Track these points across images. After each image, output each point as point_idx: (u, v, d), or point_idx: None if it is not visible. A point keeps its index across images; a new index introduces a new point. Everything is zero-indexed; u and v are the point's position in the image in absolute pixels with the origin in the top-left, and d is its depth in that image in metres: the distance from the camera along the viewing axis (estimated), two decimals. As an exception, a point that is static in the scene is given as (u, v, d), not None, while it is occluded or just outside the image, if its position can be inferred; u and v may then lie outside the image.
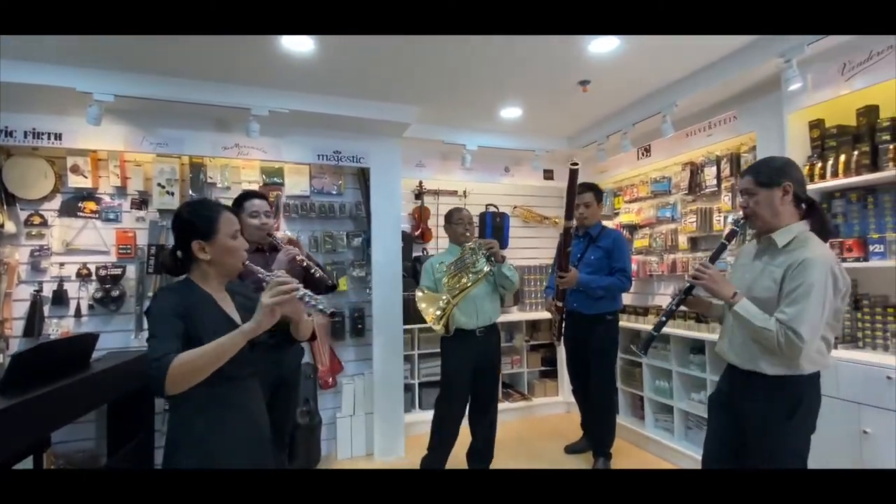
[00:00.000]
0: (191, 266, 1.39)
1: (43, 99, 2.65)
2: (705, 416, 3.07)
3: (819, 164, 2.47)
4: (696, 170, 3.35)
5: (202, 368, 1.19)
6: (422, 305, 2.68)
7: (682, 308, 3.24)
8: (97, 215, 3.05)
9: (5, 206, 2.82)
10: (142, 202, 3.15)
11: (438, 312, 2.61)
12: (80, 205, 3.02)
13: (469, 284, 2.60)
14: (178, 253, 1.40)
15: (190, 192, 3.19)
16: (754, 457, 1.71)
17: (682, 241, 3.45)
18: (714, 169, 3.19)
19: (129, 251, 3.09)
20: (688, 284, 1.79)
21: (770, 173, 1.69)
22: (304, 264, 2.27)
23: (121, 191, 3.11)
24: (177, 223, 1.38)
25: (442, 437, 2.82)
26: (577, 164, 2.57)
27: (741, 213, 1.79)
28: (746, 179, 1.74)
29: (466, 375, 2.76)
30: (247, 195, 2.38)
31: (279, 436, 2.43)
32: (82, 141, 2.87)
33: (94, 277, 3.01)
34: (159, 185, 3.11)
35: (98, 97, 2.60)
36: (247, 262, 1.43)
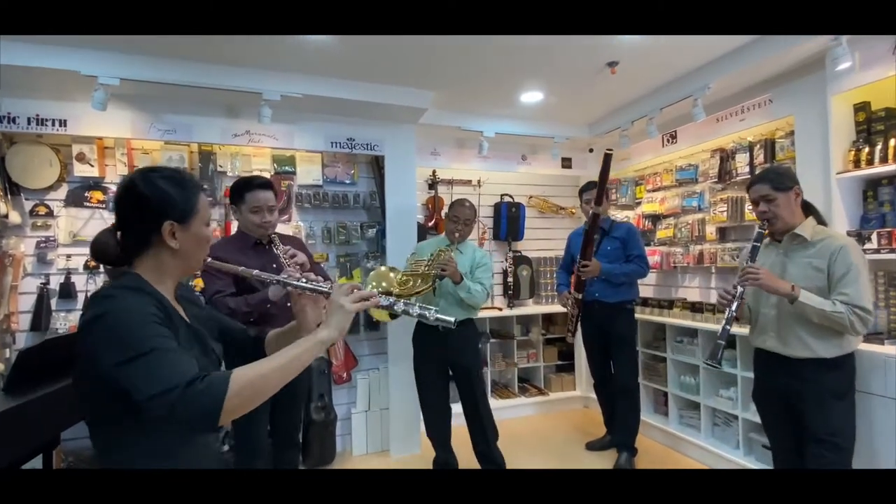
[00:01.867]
0: (140, 256, 1.01)
1: (46, 83, 2.54)
2: (734, 413, 2.98)
3: (865, 150, 2.32)
4: (726, 157, 3.20)
5: (267, 390, 0.90)
6: (371, 278, 2.61)
7: (710, 303, 3.19)
8: (104, 205, 2.95)
9: (9, 196, 2.72)
10: (150, 192, 3.04)
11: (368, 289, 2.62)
12: (86, 194, 2.92)
13: (410, 293, 2.50)
14: (120, 235, 1.02)
15: (199, 180, 3.08)
16: (820, 433, 1.81)
17: (710, 231, 3.31)
18: (746, 156, 3.03)
19: (137, 242, 2.98)
20: (740, 288, 1.87)
21: (783, 179, 1.88)
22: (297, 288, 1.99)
23: (128, 180, 3.00)
24: (143, 194, 0.97)
25: (429, 428, 2.81)
26: (611, 149, 2.59)
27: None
28: (762, 187, 1.89)
29: (433, 366, 2.74)
30: (250, 184, 2.05)
31: (289, 435, 2.33)
32: (88, 127, 2.76)
33: (101, 270, 2.91)
34: (167, 173, 3.00)
35: (103, 81, 2.48)
36: (242, 269, 1.21)
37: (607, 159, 2.64)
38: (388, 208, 3.34)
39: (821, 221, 1.94)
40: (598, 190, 2.80)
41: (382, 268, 2.73)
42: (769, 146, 2.92)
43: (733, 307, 1.85)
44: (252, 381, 0.87)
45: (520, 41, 2.46)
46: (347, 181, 3.43)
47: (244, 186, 2.08)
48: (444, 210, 4.09)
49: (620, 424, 3.13)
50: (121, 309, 0.90)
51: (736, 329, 2.88)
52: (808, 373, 1.83)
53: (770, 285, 1.80)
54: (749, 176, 3.03)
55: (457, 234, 2.66)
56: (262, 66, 2.74)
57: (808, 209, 1.94)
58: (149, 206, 0.98)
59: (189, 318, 1.06)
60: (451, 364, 2.74)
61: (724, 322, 1.86)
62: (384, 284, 2.57)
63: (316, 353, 1.01)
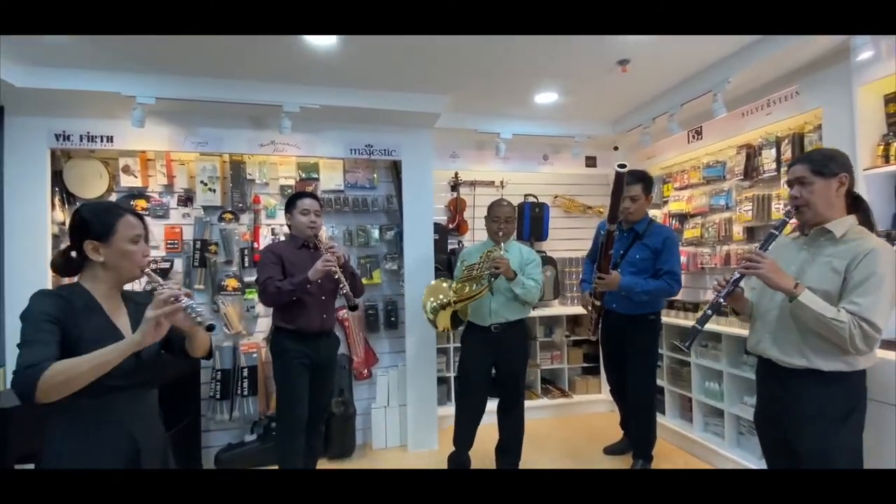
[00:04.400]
0: (84, 268, 1.31)
1: (93, 104, 2.83)
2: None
3: (896, 144, 2.16)
4: (752, 153, 3.05)
5: (77, 378, 1.11)
6: (426, 294, 2.80)
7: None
8: (147, 212, 3.23)
9: (67, 206, 3.06)
10: (187, 199, 3.31)
11: (431, 307, 2.76)
12: (132, 202, 3.21)
13: (467, 297, 2.64)
14: (73, 254, 1.31)
15: (231, 188, 3.32)
16: (809, 462, 1.60)
17: (737, 231, 3.17)
18: (773, 151, 2.88)
19: (176, 246, 3.26)
20: (738, 274, 1.67)
21: (827, 163, 1.61)
22: (336, 276, 2.33)
23: (168, 188, 3.28)
24: (73, 222, 1.30)
25: (461, 430, 2.82)
26: (624, 165, 2.35)
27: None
28: (800, 168, 1.64)
29: (481, 369, 2.75)
30: (300, 194, 2.54)
31: (315, 420, 2.55)
32: (131, 142, 3.04)
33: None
34: (202, 182, 3.25)
35: (140, 100, 2.74)
36: (147, 270, 1.34)
37: (619, 178, 2.37)
38: (405, 211, 3.44)
39: (866, 222, 1.65)
40: (610, 208, 2.51)
41: (434, 281, 2.88)
42: (797, 141, 2.76)
43: (723, 294, 1.66)
44: (66, 370, 1.10)
45: (526, 43, 2.47)
46: (367, 186, 3.56)
47: (296, 197, 2.53)
48: (466, 212, 4.17)
49: (635, 437, 3.06)
50: (29, 307, 1.20)
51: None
52: (800, 386, 1.61)
53: (770, 278, 1.57)
54: (776, 173, 2.88)
55: (500, 234, 2.69)
56: (281, 80, 2.92)
57: (857, 205, 1.67)
58: (74, 229, 1.29)
59: (130, 313, 1.35)
60: (496, 364, 2.77)
61: (706, 307, 1.69)
62: (441, 296, 2.73)
63: (121, 355, 1.15)
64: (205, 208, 3.30)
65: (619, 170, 2.36)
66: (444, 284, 2.82)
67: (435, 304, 2.73)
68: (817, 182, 1.60)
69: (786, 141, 2.83)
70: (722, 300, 1.68)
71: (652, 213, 3.99)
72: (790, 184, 1.69)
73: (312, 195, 2.54)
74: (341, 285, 2.34)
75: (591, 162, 4.27)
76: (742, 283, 1.72)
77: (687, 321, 3.34)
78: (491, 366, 2.77)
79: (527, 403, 3.94)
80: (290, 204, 2.52)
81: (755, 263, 1.59)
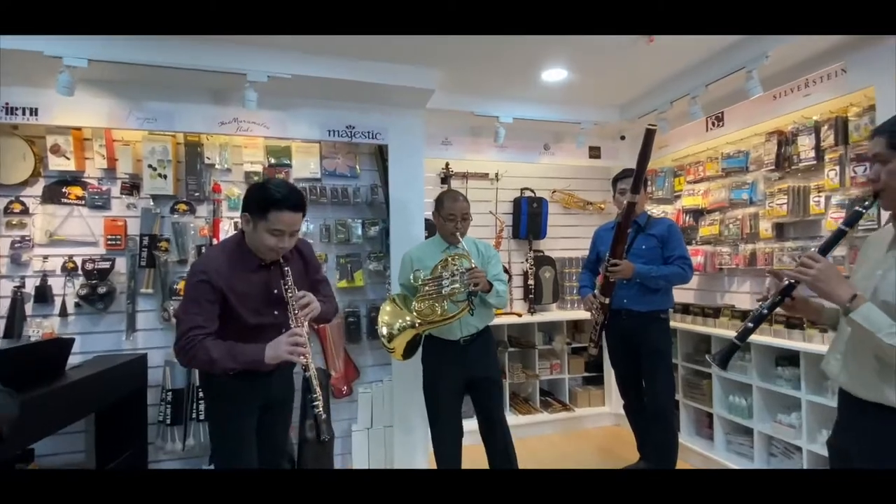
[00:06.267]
0: None
1: (11, 66, 2.29)
2: (795, 442, 2.52)
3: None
4: (784, 140, 2.72)
5: None
6: (383, 317, 2.28)
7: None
8: (83, 202, 2.71)
9: (-21, 192, 2.51)
10: (132, 187, 2.79)
11: (390, 334, 2.25)
12: (64, 190, 2.69)
13: (441, 319, 2.18)
14: None
15: (185, 174, 2.82)
16: None
17: (765, 227, 2.84)
18: (811, 138, 2.55)
19: (118, 242, 2.74)
20: (787, 282, 1.36)
21: None
22: (307, 374, 1.62)
23: (109, 174, 2.76)
24: None
25: (446, 457, 2.39)
26: (654, 124, 2.14)
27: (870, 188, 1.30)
28: (878, 141, 1.28)
29: (454, 389, 2.34)
30: (280, 203, 1.58)
31: (273, 465, 1.98)
32: (60, 116, 2.52)
33: (80, 272, 2.68)
34: (150, 166, 2.74)
35: (69, 62, 2.22)
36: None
37: (649, 136, 2.17)
38: (392, 204, 3.00)
39: None
40: (635, 174, 2.30)
41: (387, 306, 2.32)
42: (841, 125, 2.44)
43: (766, 305, 1.37)
44: None
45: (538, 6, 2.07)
46: (348, 174, 3.10)
47: (272, 203, 1.58)
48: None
49: (655, 452, 2.69)
50: None
51: (800, 343, 2.45)
52: (873, 423, 1.26)
53: (820, 287, 1.26)
54: (815, 162, 2.56)
55: (458, 233, 2.30)
56: (246, 43, 2.43)
57: None
58: None
59: None
60: (468, 378, 2.35)
61: (748, 319, 1.39)
62: (406, 321, 2.23)
63: None
64: (154, 198, 2.79)
65: (650, 127, 2.13)
66: (400, 308, 2.29)
67: (396, 327, 2.23)
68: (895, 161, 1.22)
69: (826, 125, 2.50)
70: (765, 311, 1.37)
71: (662, 208, 3.68)
72: (872, 161, 1.33)
73: (299, 205, 1.64)
74: (311, 395, 1.61)
75: (594, 153, 3.91)
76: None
77: (707, 328, 3.00)
78: (461, 379, 2.34)
79: (524, 419, 3.62)
80: (258, 210, 1.60)
81: (805, 268, 1.29)
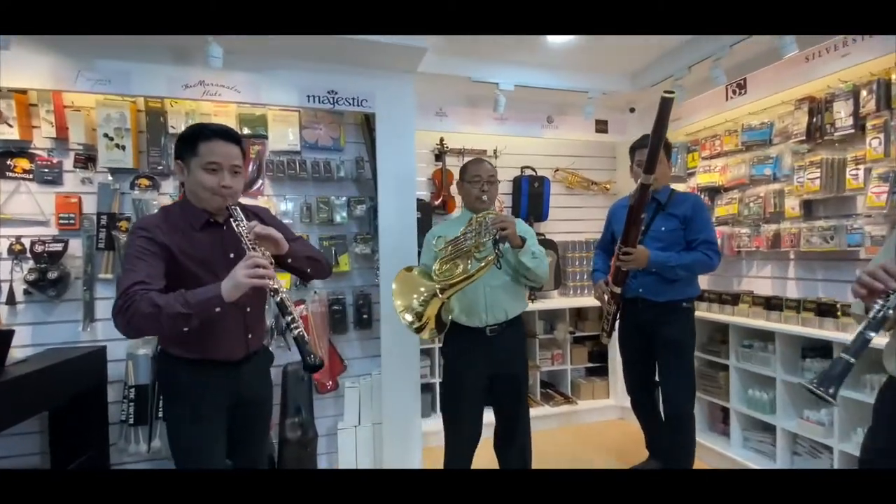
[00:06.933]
0: None
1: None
2: (822, 441, 2.29)
3: None
4: (817, 108, 2.45)
5: None
6: (396, 300, 1.94)
7: (791, 297, 2.46)
8: (31, 176, 2.40)
9: None
10: (87, 159, 2.47)
11: (413, 311, 1.90)
12: (9, 162, 2.37)
13: (462, 278, 1.84)
14: None
15: (147, 145, 2.51)
16: None
17: (791, 205, 2.58)
18: (849, 104, 2.28)
19: (72, 221, 2.43)
20: None
21: None
22: (276, 297, 1.38)
23: (60, 144, 2.44)
24: None
25: (458, 461, 2.12)
26: (672, 91, 1.82)
27: None
28: None
29: (477, 386, 2.05)
30: (206, 130, 1.47)
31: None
32: (-4, 76, 2.20)
33: (28, 254, 2.38)
34: (106, 136, 2.43)
35: None
36: None
37: (665, 105, 1.83)
38: (381, 180, 2.70)
39: None
40: (650, 150, 1.95)
41: (400, 272, 2.03)
42: (884, 88, 2.17)
43: (890, 306, 1.09)
44: None
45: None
46: (331, 146, 2.80)
47: (199, 135, 1.46)
48: (454, 186, 3.46)
49: (669, 460, 2.46)
50: None
51: (832, 332, 2.21)
52: None
53: None
54: (852, 131, 2.29)
55: (484, 198, 2.02)
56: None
57: None
58: None
59: None
60: (492, 375, 2.06)
61: (862, 326, 1.10)
62: (421, 289, 1.91)
63: None
64: (112, 171, 2.48)
65: (666, 95, 1.81)
66: (416, 273, 2.02)
67: (417, 301, 1.91)
68: None
69: (866, 90, 2.23)
70: (890, 312, 1.08)
71: (674, 186, 3.41)
72: None
73: (229, 133, 1.50)
74: (286, 318, 1.37)
75: (601, 127, 3.63)
76: None
77: (724, 315, 2.76)
78: (485, 376, 2.06)
79: (525, 412, 3.39)
80: (187, 147, 1.47)
81: None
